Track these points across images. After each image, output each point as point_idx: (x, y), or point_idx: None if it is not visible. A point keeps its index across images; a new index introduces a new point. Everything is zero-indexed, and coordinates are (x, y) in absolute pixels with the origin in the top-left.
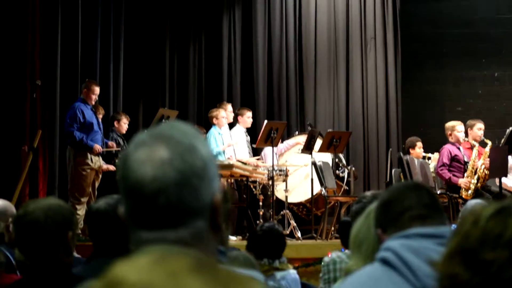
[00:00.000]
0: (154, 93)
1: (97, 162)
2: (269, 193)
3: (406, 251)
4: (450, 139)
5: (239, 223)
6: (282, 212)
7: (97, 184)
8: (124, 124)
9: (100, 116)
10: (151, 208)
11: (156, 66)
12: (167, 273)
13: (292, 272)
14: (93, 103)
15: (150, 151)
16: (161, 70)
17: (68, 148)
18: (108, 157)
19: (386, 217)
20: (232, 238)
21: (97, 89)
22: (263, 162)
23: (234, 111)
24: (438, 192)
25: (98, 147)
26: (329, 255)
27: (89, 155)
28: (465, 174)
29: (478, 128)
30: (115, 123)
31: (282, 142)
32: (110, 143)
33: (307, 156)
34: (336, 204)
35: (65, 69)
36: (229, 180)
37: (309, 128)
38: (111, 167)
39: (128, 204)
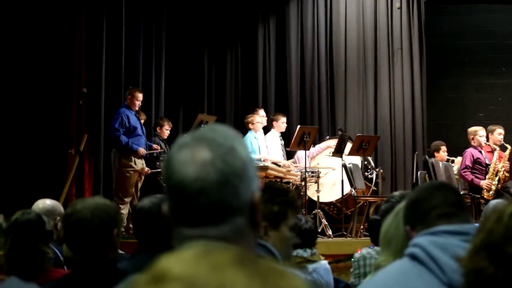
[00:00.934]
0: (194, 99)
1: (140, 164)
2: (301, 193)
3: (433, 247)
4: (472, 143)
5: None
6: (314, 211)
7: (139, 185)
8: (166, 130)
9: (142, 121)
10: (193, 206)
11: (196, 74)
12: (211, 266)
13: (323, 263)
14: (137, 109)
15: (192, 152)
16: (200, 78)
17: (113, 151)
18: (150, 160)
19: (414, 215)
20: None
21: (140, 96)
22: (296, 165)
23: (269, 117)
24: (461, 193)
25: (142, 150)
26: (359, 252)
27: (133, 158)
28: (487, 176)
29: (498, 133)
30: (158, 129)
31: (314, 145)
32: (155, 145)
33: (338, 159)
34: (365, 203)
35: (109, 77)
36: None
37: (340, 132)
38: (147, 170)
39: (172, 202)
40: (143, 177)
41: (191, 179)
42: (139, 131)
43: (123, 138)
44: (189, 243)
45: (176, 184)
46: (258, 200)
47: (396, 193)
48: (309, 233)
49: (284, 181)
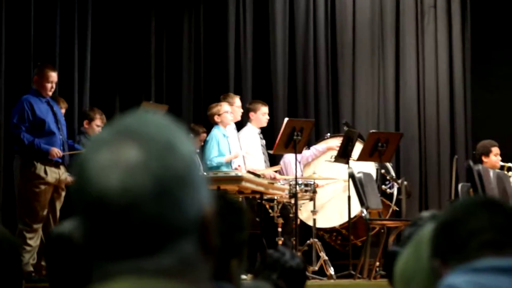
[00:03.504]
0: (136, 83)
1: (54, 174)
2: (291, 215)
3: None
4: None
5: (250, 255)
6: (308, 241)
7: (58, 205)
8: (96, 126)
9: (63, 111)
10: (120, 229)
11: (138, 46)
12: None
13: None
14: (49, 94)
15: (115, 152)
16: (144, 52)
17: (15, 157)
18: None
19: (446, 244)
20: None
21: (53, 75)
22: (282, 174)
23: (244, 106)
24: None
25: (56, 150)
26: None
27: (42, 166)
28: None
29: None
30: (85, 123)
31: (308, 147)
32: None
33: (343, 166)
34: (382, 230)
35: (11, 51)
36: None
37: (345, 128)
38: (70, 181)
39: (89, 225)
40: (63, 193)
41: (115, 190)
42: (51, 126)
43: (26, 137)
44: (115, 281)
45: (93, 199)
46: (210, 215)
47: (426, 214)
48: (296, 274)
49: (265, 197)
